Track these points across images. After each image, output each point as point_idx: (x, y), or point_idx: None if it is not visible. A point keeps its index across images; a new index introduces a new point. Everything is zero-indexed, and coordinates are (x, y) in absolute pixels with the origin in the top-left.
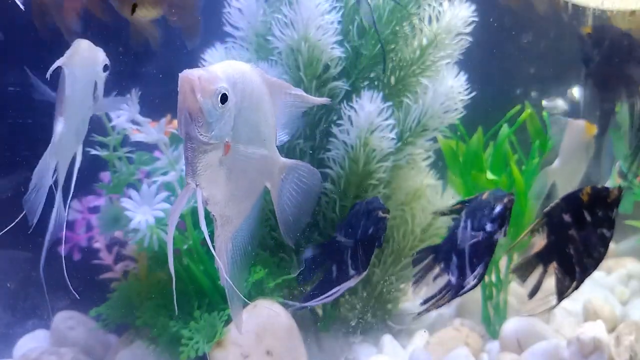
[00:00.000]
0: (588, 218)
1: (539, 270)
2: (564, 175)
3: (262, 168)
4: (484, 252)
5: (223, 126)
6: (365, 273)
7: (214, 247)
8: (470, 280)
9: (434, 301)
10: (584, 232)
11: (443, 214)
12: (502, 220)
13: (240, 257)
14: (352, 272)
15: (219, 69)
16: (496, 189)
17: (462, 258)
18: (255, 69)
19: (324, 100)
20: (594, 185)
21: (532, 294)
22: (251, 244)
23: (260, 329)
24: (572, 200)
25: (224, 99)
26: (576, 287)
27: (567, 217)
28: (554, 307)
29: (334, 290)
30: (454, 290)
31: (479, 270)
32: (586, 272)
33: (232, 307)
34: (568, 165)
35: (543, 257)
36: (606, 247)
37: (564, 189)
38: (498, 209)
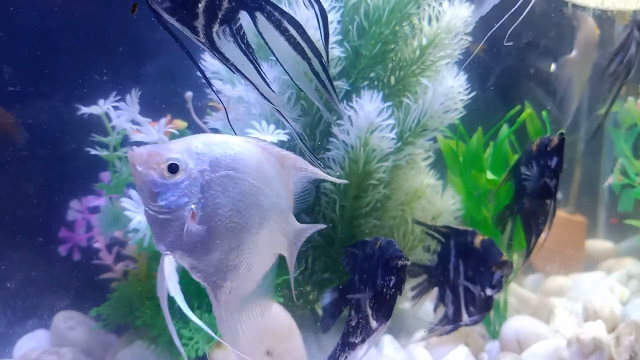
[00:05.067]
0: (535, 169)
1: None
2: (579, 64)
3: (271, 239)
4: (483, 308)
5: (179, 195)
6: (388, 322)
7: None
8: (468, 322)
9: (436, 331)
10: (532, 183)
11: (428, 228)
12: (501, 285)
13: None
14: (374, 324)
15: (177, 142)
16: (488, 239)
17: (458, 299)
18: (253, 141)
19: (335, 179)
20: (543, 136)
21: (510, 243)
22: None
23: (261, 329)
24: (526, 152)
25: (173, 169)
26: (536, 240)
27: (523, 170)
28: (525, 262)
29: (363, 348)
30: (452, 325)
31: (476, 318)
32: (539, 223)
33: None
34: (582, 55)
35: (510, 209)
36: (552, 197)
37: (578, 79)
38: (497, 276)
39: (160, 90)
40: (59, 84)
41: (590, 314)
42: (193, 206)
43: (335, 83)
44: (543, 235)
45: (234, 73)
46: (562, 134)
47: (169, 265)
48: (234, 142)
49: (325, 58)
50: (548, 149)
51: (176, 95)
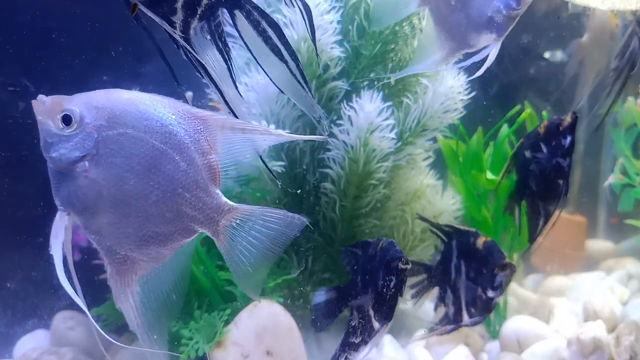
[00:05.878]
0: (544, 150)
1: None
2: (591, 49)
3: (181, 212)
4: (484, 309)
5: (71, 149)
6: (390, 323)
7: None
8: (469, 323)
9: (436, 330)
10: (542, 165)
11: (431, 225)
12: (502, 288)
13: (159, 303)
14: (376, 325)
15: (83, 95)
16: (491, 241)
17: (459, 299)
18: (168, 101)
19: (281, 133)
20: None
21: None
22: (176, 292)
23: (260, 329)
24: (531, 136)
25: (66, 120)
26: (544, 224)
27: (528, 154)
28: (529, 249)
29: (365, 349)
30: (453, 325)
31: (477, 319)
32: (549, 206)
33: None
34: (595, 40)
35: (515, 197)
36: (565, 177)
37: (590, 64)
38: (499, 278)
39: (161, 90)
40: (59, 84)
41: (590, 314)
42: (86, 162)
43: (335, 83)
44: (554, 218)
45: (202, 77)
46: (574, 113)
47: (59, 222)
48: (142, 100)
49: (316, 56)
50: (560, 128)
51: (176, 96)
